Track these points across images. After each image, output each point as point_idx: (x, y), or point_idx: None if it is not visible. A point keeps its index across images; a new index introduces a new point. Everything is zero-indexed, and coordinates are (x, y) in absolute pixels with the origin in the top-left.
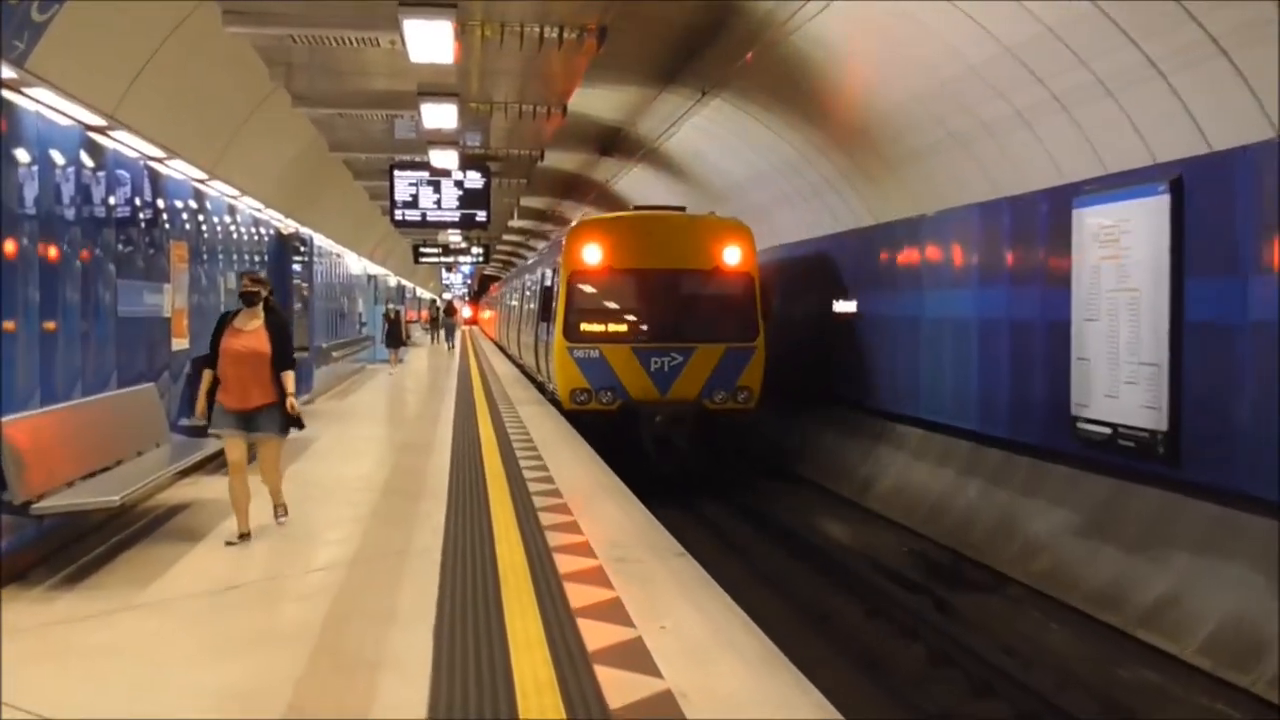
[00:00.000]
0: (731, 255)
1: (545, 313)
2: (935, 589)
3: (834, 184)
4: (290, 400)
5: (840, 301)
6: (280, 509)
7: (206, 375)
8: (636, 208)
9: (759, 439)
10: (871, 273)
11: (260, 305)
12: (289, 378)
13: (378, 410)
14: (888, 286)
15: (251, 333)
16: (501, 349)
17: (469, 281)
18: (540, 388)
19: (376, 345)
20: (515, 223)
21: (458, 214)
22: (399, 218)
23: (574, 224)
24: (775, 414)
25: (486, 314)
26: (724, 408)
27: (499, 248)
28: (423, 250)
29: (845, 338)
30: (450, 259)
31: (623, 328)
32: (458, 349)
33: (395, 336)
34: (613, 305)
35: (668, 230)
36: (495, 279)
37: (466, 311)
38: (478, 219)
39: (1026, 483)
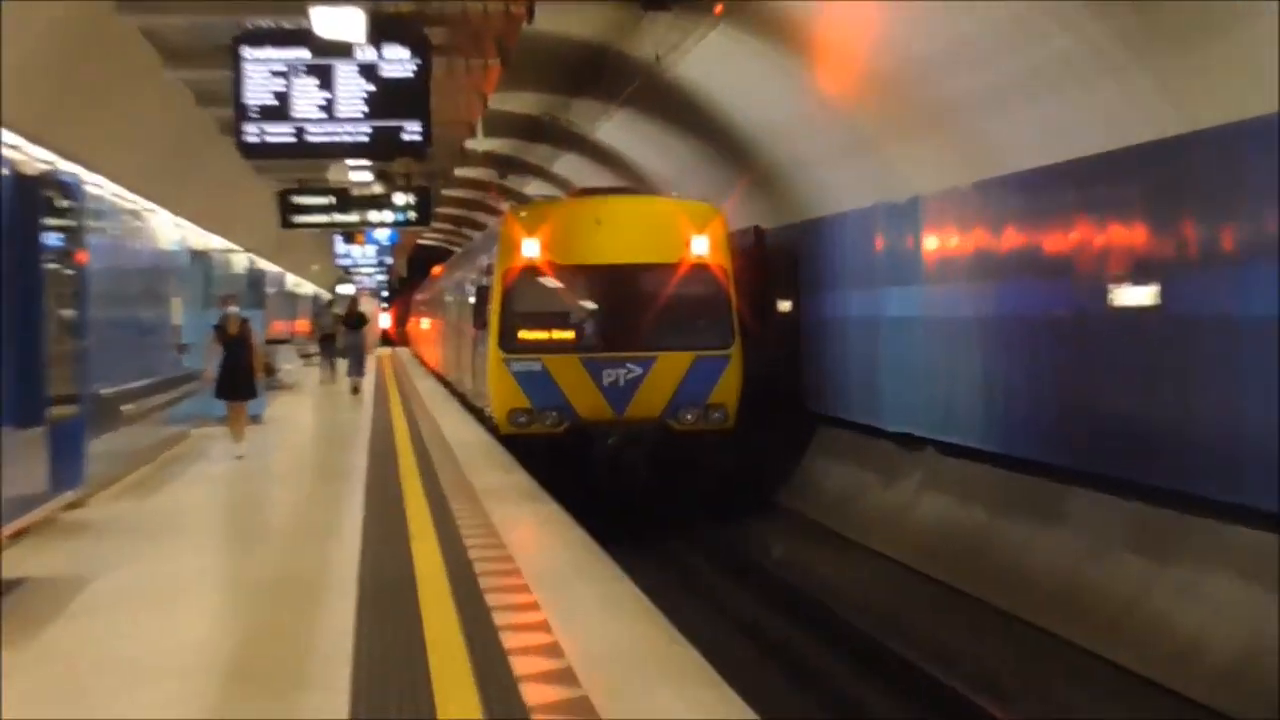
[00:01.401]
0: (700, 245)
1: (478, 318)
2: None
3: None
4: None
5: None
6: None
7: None
8: (583, 190)
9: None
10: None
11: None
12: None
13: (205, 540)
14: None
15: None
16: (451, 388)
17: (388, 264)
18: (478, 412)
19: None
20: (484, 148)
21: (366, 128)
22: (253, 138)
23: (510, 211)
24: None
25: (425, 323)
26: (693, 428)
27: (447, 201)
28: (298, 201)
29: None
30: (352, 218)
31: (569, 334)
32: (366, 393)
33: (235, 378)
34: (557, 307)
35: (622, 216)
36: (440, 258)
37: (386, 320)
38: (406, 138)
39: None
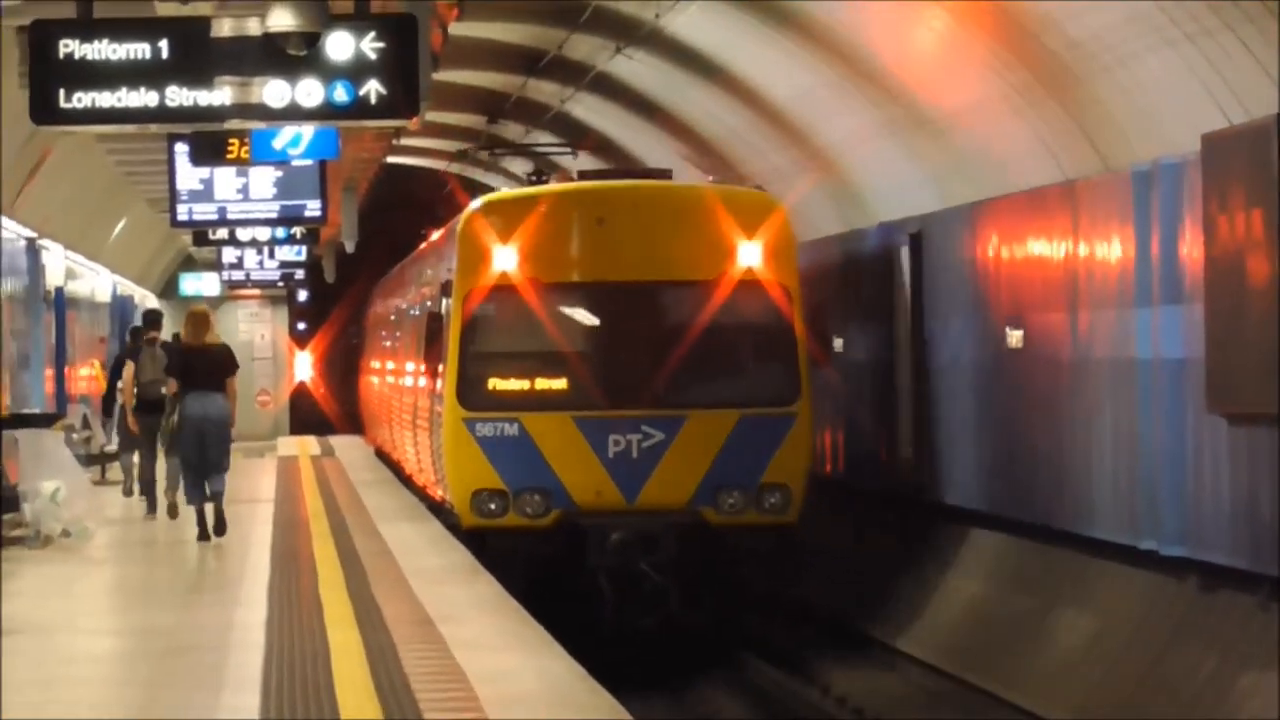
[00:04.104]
0: (751, 254)
1: (429, 361)
2: None
3: None
4: None
5: None
6: None
7: None
8: (581, 174)
9: None
10: None
11: None
12: None
13: None
14: None
15: None
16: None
17: (308, 226)
18: (424, 496)
19: None
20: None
21: None
22: None
23: (473, 206)
24: None
25: (386, 368)
26: (739, 520)
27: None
28: (77, 53)
29: None
30: (216, 98)
31: (560, 383)
32: (246, 548)
33: None
34: (542, 345)
35: (636, 212)
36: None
37: (305, 366)
38: None
39: None
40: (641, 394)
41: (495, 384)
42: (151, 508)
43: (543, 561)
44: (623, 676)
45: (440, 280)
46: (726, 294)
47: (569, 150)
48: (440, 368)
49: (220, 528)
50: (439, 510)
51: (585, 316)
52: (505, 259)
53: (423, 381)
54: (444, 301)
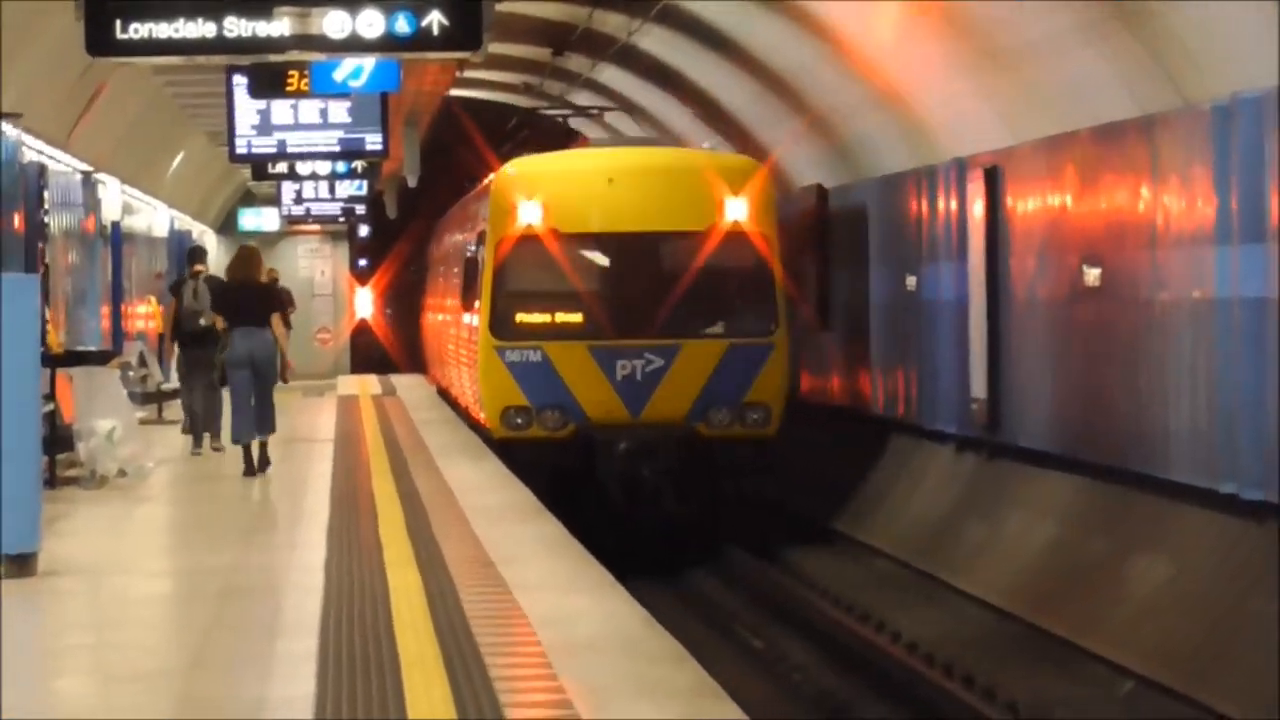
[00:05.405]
0: (736, 208)
1: (465, 299)
2: None
3: None
4: None
5: None
6: None
7: None
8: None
9: None
10: None
11: None
12: None
13: None
14: None
15: None
16: None
17: (370, 161)
18: (464, 414)
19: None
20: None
21: None
22: None
23: (502, 168)
24: None
25: (444, 304)
26: (726, 433)
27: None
28: None
29: None
30: (276, 28)
31: (576, 317)
32: (298, 492)
33: None
34: (561, 285)
35: (640, 174)
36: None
37: (366, 302)
38: None
39: None
40: (644, 326)
41: (521, 318)
42: (197, 442)
43: (564, 470)
44: (627, 565)
45: (477, 230)
46: (716, 242)
47: (612, 107)
48: (476, 304)
49: (264, 463)
50: (478, 428)
51: (597, 261)
52: (530, 213)
53: (465, 318)
54: (480, 249)
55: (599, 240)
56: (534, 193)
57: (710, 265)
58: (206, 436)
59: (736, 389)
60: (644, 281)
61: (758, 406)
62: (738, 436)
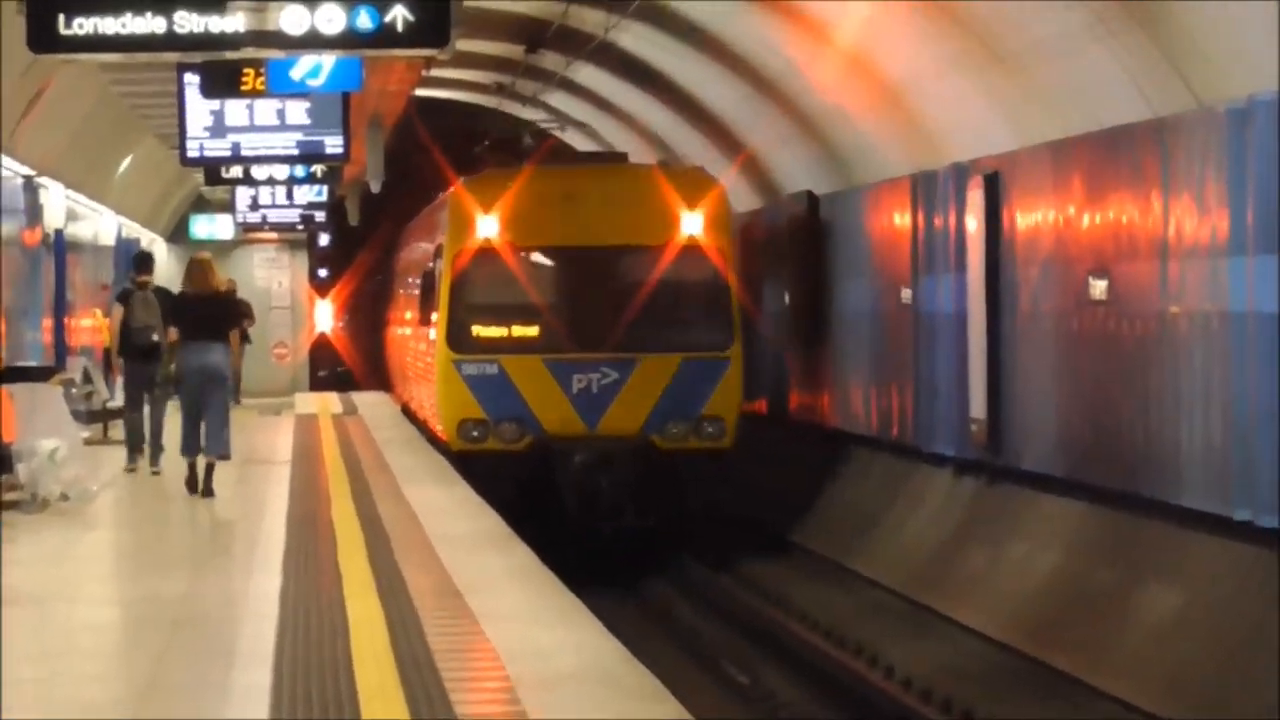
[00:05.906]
0: (692, 223)
1: (423, 312)
2: None
3: None
4: None
5: None
6: None
7: None
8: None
9: None
10: None
11: None
12: None
13: None
14: None
15: None
16: None
17: (329, 165)
18: (424, 428)
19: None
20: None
21: None
22: None
23: (461, 182)
24: None
25: (405, 318)
26: (683, 446)
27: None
28: None
29: None
30: (230, 23)
31: (532, 331)
32: (249, 523)
33: None
34: (518, 299)
35: (597, 189)
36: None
37: (325, 316)
38: None
39: None
40: (601, 340)
41: (478, 331)
42: (132, 459)
43: (521, 483)
44: (585, 575)
45: (435, 243)
46: (671, 257)
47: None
48: (434, 316)
49: (208, 491)
50: (435, 442)
51: (554, 275)
52: (487, 227)
53: (424, 330)
54: (438, 261)
55: (556, 254)
56: (491, 206)
57: (666, 280)
58: (144, 456)
59: (692, 402)
60: (600, 295)
61: (713, 419)
62: (694, 449)
